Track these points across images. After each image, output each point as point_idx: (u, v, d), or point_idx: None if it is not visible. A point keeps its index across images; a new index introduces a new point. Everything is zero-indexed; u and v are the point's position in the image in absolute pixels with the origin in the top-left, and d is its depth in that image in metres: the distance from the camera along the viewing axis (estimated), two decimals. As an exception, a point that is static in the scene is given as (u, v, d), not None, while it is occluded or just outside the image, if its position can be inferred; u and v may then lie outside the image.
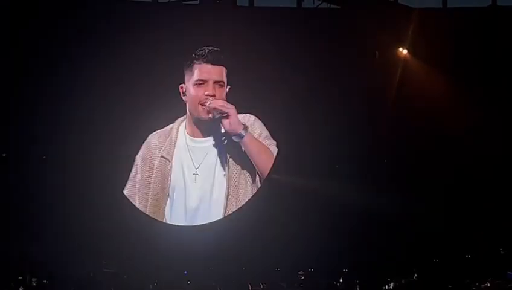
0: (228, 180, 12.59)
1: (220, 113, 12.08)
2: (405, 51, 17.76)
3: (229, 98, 12.75)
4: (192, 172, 12.56)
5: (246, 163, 12.63)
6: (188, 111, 12.47)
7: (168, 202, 12.98)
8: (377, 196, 16.98)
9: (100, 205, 15.57)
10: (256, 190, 12.89)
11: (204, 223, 13.63)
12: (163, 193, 12.87)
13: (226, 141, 12.45)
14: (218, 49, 12.35)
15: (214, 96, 12.20)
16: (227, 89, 12.55)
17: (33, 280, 15.60)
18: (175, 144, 12.56)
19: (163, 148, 12.62)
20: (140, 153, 12.93)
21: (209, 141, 12.61)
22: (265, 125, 13.13)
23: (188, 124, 12.58)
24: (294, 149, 17.02)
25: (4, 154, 16.92)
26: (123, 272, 15.92)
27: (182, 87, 12.43)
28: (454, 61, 17.43)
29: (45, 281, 15.60)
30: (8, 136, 16.68)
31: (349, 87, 17.62)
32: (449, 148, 17.43)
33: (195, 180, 12.63)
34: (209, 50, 12.27)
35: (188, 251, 15.66)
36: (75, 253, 15.85)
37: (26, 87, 16.43)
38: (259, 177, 12.82)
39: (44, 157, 16.73)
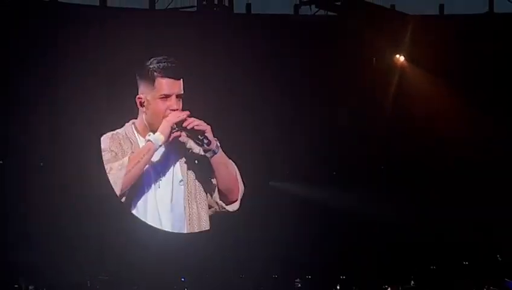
0: (186, 187, 12.67)
1: (198, 132, 12.15)
2: (402, 58, 17.79)
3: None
4: (155, 177, 12.63)
5: (202, 171, 12.70)
6: (144, 120, 12.52)
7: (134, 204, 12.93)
8: (374, 203, 16.99)
9: (96, 212, 15.56)
10: (214, 198, 12.93)
11: (201, 230, 13.60)
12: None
13: (196, 161, 12.56)
14: (177, 62, 12.41)
15: (177, 110, 12.31)
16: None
17: (30, 288, 15.60)
18: (136, 147, 12.62)
19: (126, 149, 12.64)
20: (112, 145, 12.80)
21: (163, 147, 12.66)
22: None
23: (143, 131, 12.64)
24: (290, 156, 17.08)
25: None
26: (120, 279, 15.93)
27: (140, 98, 12.47)
28: (452, 67, 17.45)
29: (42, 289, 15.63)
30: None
31: (347, 93, 17.63)
32: (448, 154, 17.42)
33: (160, 186, 12.71)
34: (171, 64, 12.31)
35: (186, 259, 15.66)
36: (72, 261, 15.83)
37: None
38: (218, 188, 12.86)
39: (41, 164, 16.73)
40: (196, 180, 12.65)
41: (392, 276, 17.08)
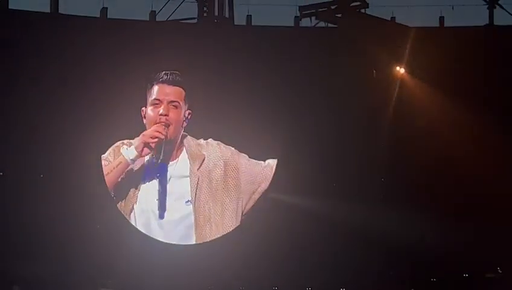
0: (194, 207, 12.64)
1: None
2: (402, 70, 17.82)
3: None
4: (155, 198, 12.64)
5: (214, 192, 12.70)
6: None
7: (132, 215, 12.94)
8: (375, 216, 16.99)
9: (96, 223, 15.59)
10: (229, 215, 12.96)
11: (201, 242, 13.63)
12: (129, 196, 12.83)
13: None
14: (177, 72, 12.46)
15: (166, 115, 12.27)
16: (187, 114, 12.56)
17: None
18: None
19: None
20: (110, 154, 12.81)
21: (170, 165, 12.64)
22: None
23: None
24: (292, 168, 17.05)
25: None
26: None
27: (143, 111, 12.53)
28: (452, 79, 17.47)
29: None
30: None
31: (347, 105, 17.65)
32: (448, 166, 17.43)
33: (160, 204, 12.72)
34: (167, 72, 12.39)
35: (187, 271, 15.65)
36: (73, 273, 15.83)
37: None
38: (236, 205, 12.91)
39: (42, 176, 16.74)
40: (215, 201, 12.63)
41: (392, 288, 17.06)
